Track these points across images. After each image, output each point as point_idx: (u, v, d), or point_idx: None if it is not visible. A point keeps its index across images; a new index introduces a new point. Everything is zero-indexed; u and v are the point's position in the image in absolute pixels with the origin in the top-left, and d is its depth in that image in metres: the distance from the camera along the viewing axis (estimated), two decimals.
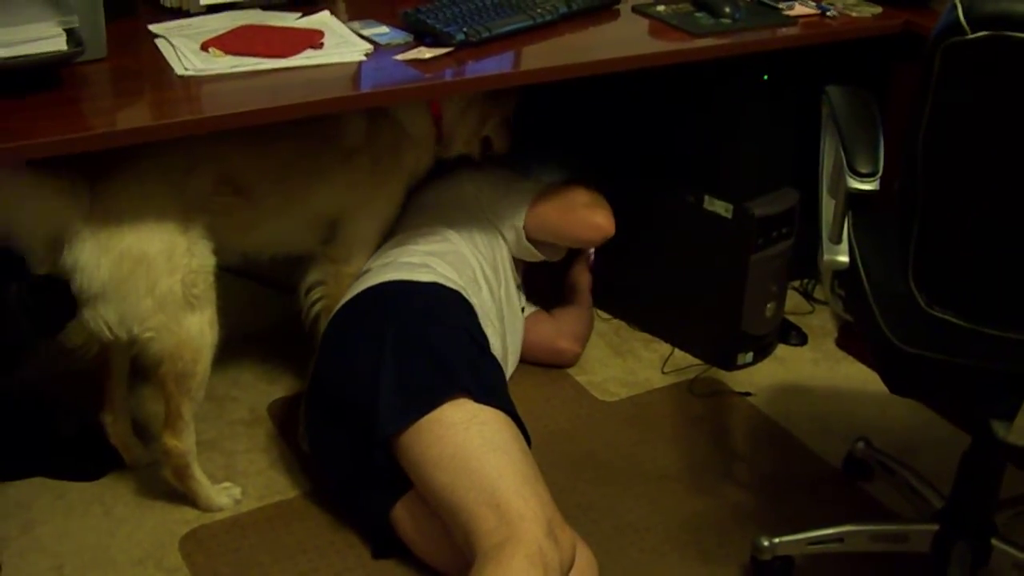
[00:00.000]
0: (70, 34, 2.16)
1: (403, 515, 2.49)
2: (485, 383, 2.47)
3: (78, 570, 2.49)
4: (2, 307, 2.23)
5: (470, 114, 2.93)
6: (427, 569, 2.50)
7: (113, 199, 2.37)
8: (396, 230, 2.91)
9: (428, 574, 2.50)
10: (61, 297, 2.31)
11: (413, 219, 2.94)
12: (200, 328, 2.51)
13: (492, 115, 2.98)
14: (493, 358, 2.62)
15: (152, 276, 2.41)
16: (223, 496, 2.69)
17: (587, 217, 2.94)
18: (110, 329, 2.42)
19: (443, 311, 2.61)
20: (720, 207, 3.08)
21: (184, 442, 2.58)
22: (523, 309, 3.15)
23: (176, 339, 2.48)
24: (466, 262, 2.81)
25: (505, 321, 2.87)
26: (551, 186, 3.02)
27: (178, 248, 2.45)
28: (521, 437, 2.42)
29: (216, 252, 2.54)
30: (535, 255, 3.02)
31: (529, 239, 2.97)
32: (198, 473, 2.64)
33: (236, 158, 2.53)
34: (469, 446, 2.32)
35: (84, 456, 2.75)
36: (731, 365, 3.25)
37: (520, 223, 2.95)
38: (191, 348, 2.50)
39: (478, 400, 2.40)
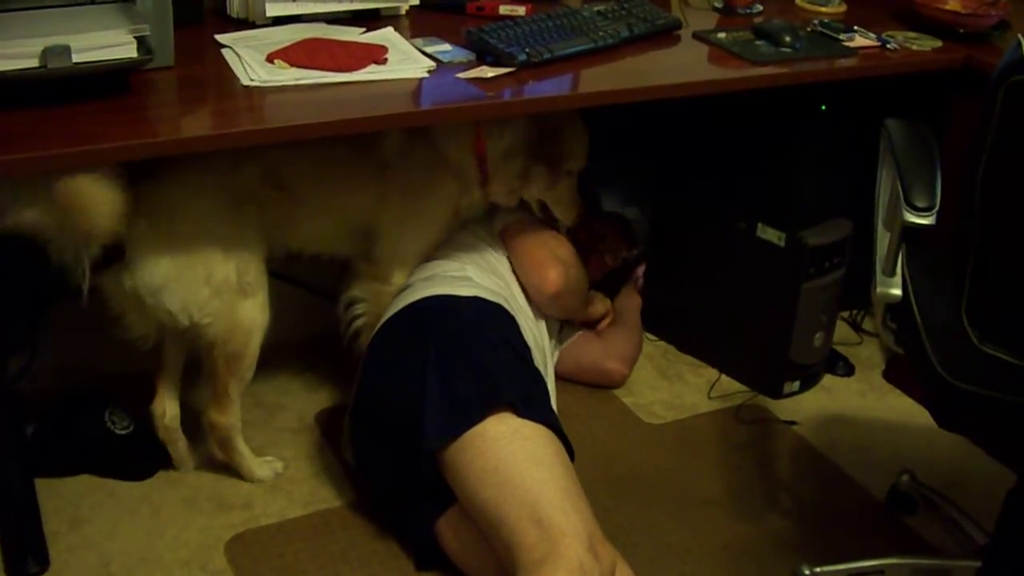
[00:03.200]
0: (140, 42, 2.19)
1: (446, 528, 2.50)
2: (529, 397, 2.48)
3: (125, 568, 2.52)
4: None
5: (512, 161, 2.85)
6: None
7: (166, 195, 2.44)
8: (447, 241, 2.93)
9: None
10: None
11: (455, 232, 2.97)
12: (252, 313, 2.61)
13: (539, 168, 2.86)
14: (536, 371, 2.63)
15: (208, 266, 2.51)
16: (265, 468, 2.81)
17: (544, 264, 2.89)
18: (173, 317, 2.53)
19: (486, 325, 2.63)
20: (773, 235, 3.08)
21: (229, 418, 2.69)
22: (561, 328, 3.16)
23: (230, 323, 2.58)
24: (505, 272, 2.84)
25: (541, 331, 2.89)
26: (539, 223, 3.00)
27: (230, 238, 2.54)
28: (564, 452, 2.43)
29: (266, 244, 2.64)
30: None
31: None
32: (241, 446, 2.76)
33: (278, 156, 2.58)
34: (512, 460, 2.34)
35: (135, 455, 2.78)
36: (778, 393, 3.25)
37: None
38: (243, 331, 2.61)
39: (521, 414, 2.41)
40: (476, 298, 2.67)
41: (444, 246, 2.90)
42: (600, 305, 3.27)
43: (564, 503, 2.27)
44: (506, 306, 2.70)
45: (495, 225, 2.98)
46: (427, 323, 2.60)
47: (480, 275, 2.76)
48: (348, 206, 2.75)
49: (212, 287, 2.53)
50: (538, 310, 2.94)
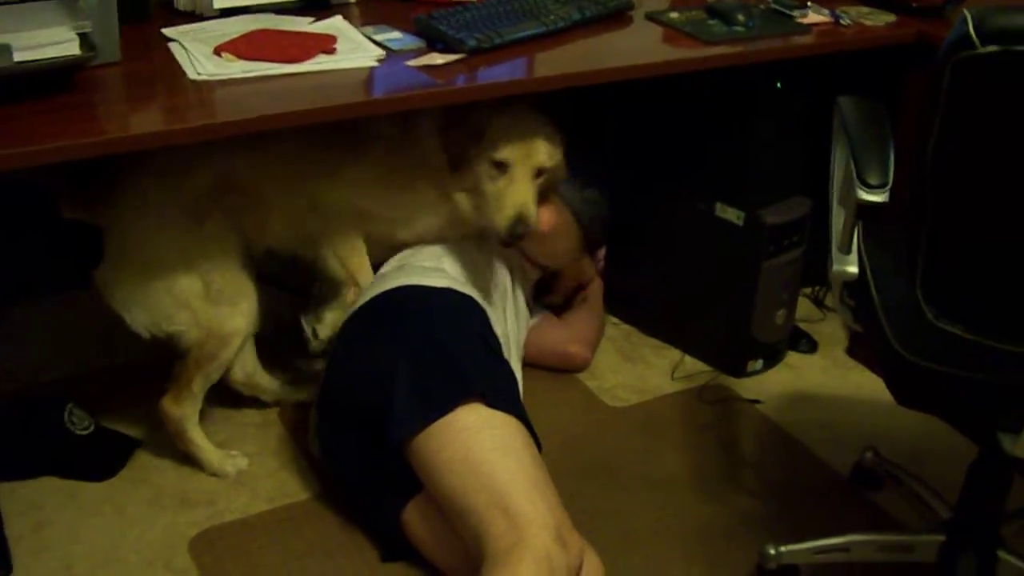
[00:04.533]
0: (83, 38, 2.17)
1: (413, 518, 2.50)
2: (498, 388, 2.48)
3: (88, 570, 2.50)
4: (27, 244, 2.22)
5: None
6: (433, 572, 2.51)
7: (118, 214, 2.46)
8: None
9: (434, 574, 2.51)
10: (88, 243, 2.32)
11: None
12: (229, 320, 2.65)
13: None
14: (506, 363, 2.62)
15: (169, 279, 2.54)
16: (227, 463, 2.80)
17: None
18: (147, 331, 2.58)
19: (457, 316, 2.62)
20: (732, 214, 3.08)
21: (184, 409, 2.71)
22: (531, 311, 3.16)
23: (204, 331, 2.63)
24: (476, 262, 2.82)
25: (512, 322, 2.88)
26: None
27: (190, 248, 2.53)
28: (532, 443, 2.43)
29: (239, 248, 2.66)
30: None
31: None
32: (198, 438, 2.77)
33: (232, 159, 2.57)
34: (481, 450, 2.33)
35: (96, 456, 2.77)
36: (741, 372, 3.25)
37: None
38: (217, 338, 2.64)
39: (491, 405, 2.40)
40: (448, 289, 2.66)
41: None
42: (589, 268, 3.28)
43: (532, 493, 2.27)
44: (478, 298, 2.69)
45: None
46: (398, 313, 2.59)
47: (455, 267, 2.75)
48: (319, 201, 2.72)
49: (176, 298, 2.57)
50: (519, 306, 2.96)
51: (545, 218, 2.88)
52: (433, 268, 2.72)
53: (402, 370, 2.44)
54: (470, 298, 2.68)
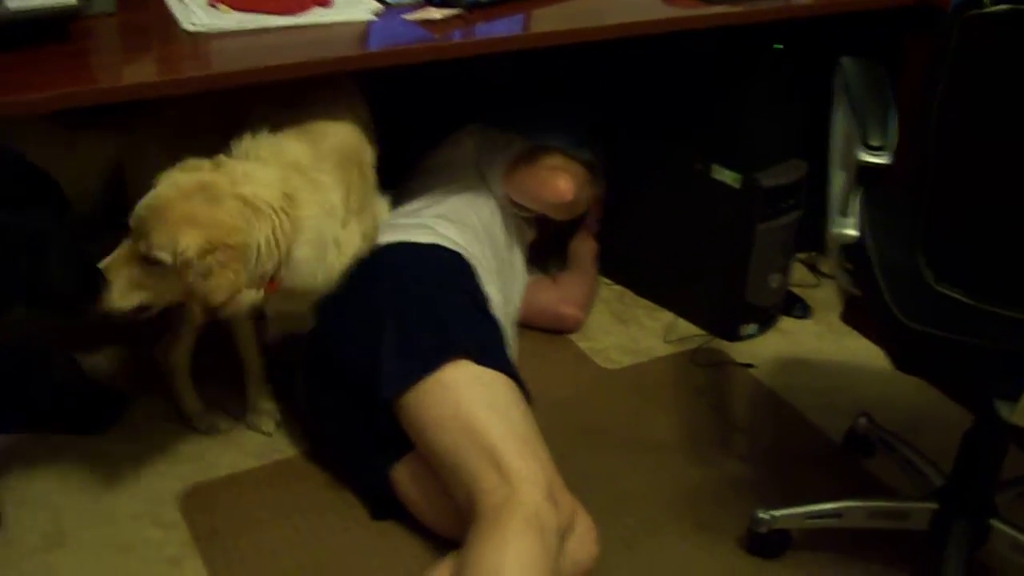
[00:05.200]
0: None
1: (403, 476, 2.49)
2: (486, 345, 2.47)
3: (76, 523, 2.49)
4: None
5: None
6: (424, 529, 2.50)
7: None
8: (400, 193, 2.90)
9: (425, 534, 2.50)
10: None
11: (415, 181, 2.94)
12: None
13: None
14: (494, 319, 2.61)
15: None
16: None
17: (549, 179, 2.94)
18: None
19: (443, 273, 2.61)
20: (728, 176, 3.06)
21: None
22: (525, 273, 3.15)
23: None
24: (466, 219, 2.81)
25: (506, 280, 2.87)
26: (532, 149, 3.01)
27: None
28: (523, 399, 2.43)
29: None
30: (519, 213, 3.03)
31: (511, 199, 2.98)
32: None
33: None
34: (470, 407, 2.33)
35: (85, 411, 2.75)
36: (734, 336, 3.24)
37: (500, 179, 2.96)
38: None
39: (479, 362, 2.40)
40: (434, 245, 2.65)
41: (409, 194, 2.88)
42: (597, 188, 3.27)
43: (523, 450, 2.26)
44: (467, 255, 2.66)
45: (496, 169, 2.97)
46: (383, 270, 2.57)
47: (444, 225, 2.73)
48: None
49: None
50: (516, 267, 2.98)
51: (566, 187, 2.91)
52: (418, 224, 2.71)
53: (388, 328, 2.43)
54: (457, 254, 2.66)
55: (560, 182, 2.92)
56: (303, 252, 2.33)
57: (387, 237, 2.65)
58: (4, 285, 2.05)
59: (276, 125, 2.40)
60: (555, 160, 2.97)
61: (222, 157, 2.31)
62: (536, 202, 2.99)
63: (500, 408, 2.35)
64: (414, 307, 2.48)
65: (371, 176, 2.57)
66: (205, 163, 2.26)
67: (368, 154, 2.56)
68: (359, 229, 2.48)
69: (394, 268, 2.58)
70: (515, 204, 3.00)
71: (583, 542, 2.30)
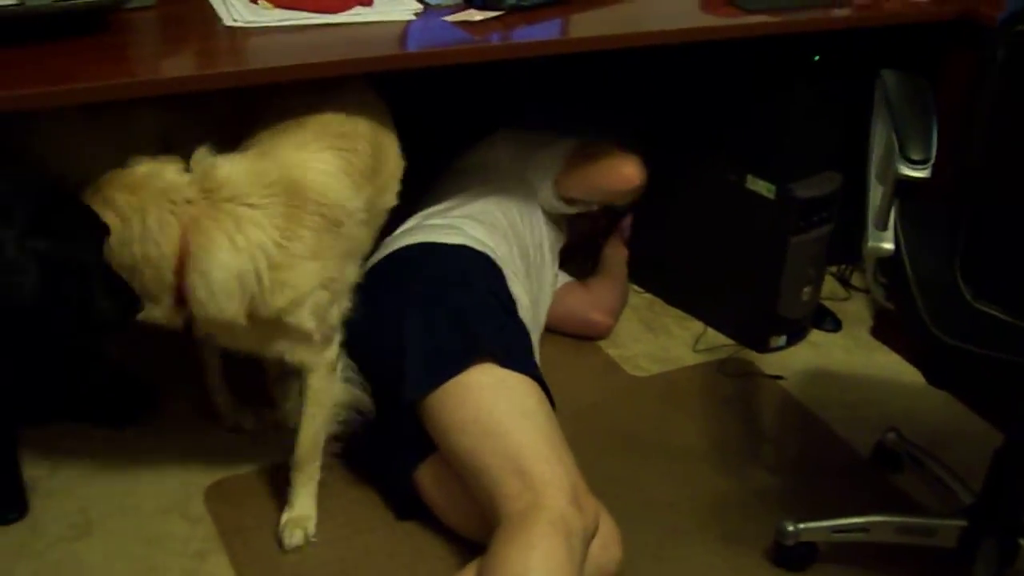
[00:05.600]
0: None
1: (426, 477, 2.49)
2: (511, 348, 2.46)
3: (103, 515, 2.50)
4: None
5: None
6: (449, 530, 2.50)
7: None
8: (430, 193, 2.91)
9: (450, 534, 2.50)
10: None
11: (445, 183, 2.95)
12: None
13: None
14: (520, 322, 2.61)
15: None
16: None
17: (616, 166, 2.93)
18: None
19: (470, 274, 2.60)
20: (763, 187, 3.05)
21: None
22: (556, 277, 3.14)
23: None
24: (496, 221, 2.80)
25: (535, 283, 2.86)
26: (585, 142, 3.01)
27: None
28: (547, 403, 2.42)
29: None
30: (566, 209, 3.02)
31: (562, 196, 2.97)
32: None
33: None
34: (495, 411, 2.32)
35: (114, 403, 2.75)
36: (764, 347, 3.23)
37: (551, 178, 2.95)
38: None
39: (504, 365, 2.39)
40: (461, 246, 2.64)
41: (439, 195, 2.89)
42: None
43: (548, 454, 2.25)
44: (495, 257, 2.66)
45: (545, 167, 2.97)
46: (409, 271, 2.57)
47: (471, 225, 2.73)
48: None
49: None
50: (546, 270, 2.98)
51: (633, 172, 2.92)
52: (446, 225, 2.71)
53: (413, 329, 2.43)
54: (484, 256, 2.66)
55: (627, 168, 2.91)
56: (203, 278, 2.17)
57: (415, 238, 2.65)
58: (57, 319, 2.07)
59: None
60: (613, 148, 2.96)
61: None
62: (602, 192, 2.99)
63: (524, 412, 2.34)
64: (440, 309, 2.47)
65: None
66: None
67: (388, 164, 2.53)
68: (318, 272, 2.27)
69: (420, 269, 2.58)
70: (569, 201, 2.99)
71: (607, 546, 2.30)
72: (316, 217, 2.21)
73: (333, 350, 2.41)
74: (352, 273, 2.39)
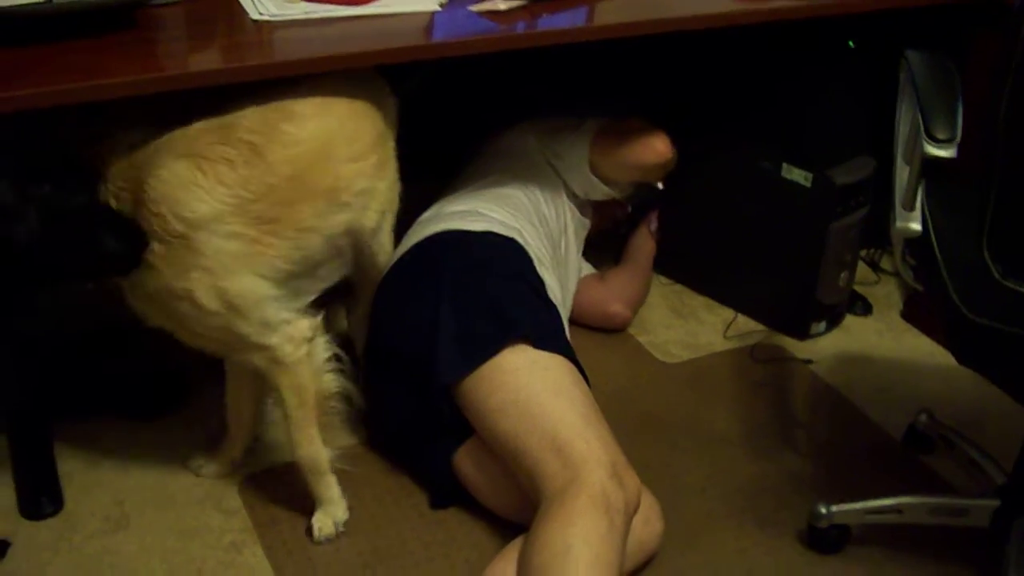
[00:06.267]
0: None
1: (465, 461, 2.50)
2: (543, 329, 2.48)
3: (138, 507, 2.52)
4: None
5: None
6: (483, 517, 2.52)
7: None
8: (454, 181, 2.94)
9: (484, 522, 2.52)
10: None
11: (471, 169, 2.98)
12: None
13: None
14: (551, 303, 2.62)
15: None
16: None
17: (647, 141, 2.91)
18: None
19: (498, 259, 2.61)
20: (799, 175, 3.04)
21: None
22: (580, 263, 3.15)
23: None
24: (520, 205, 2.81)
25: (561, 269, 2.87)
26: (611, 121, 3.01)
27: None
28: (582, 381, 2.43)
29: None
30: (604, 191, 3.01)
31: (595, 174, 2.97)
32: None
33: None
34: (530, 391, 2.33)
35: (150, 396, 2.78)
36: (804, 334, 3.23)
37: (584, 158, 2.95)
38: None
39: (537, 346, 2.40)
40: (488, 232, 2.65)
41: (465, 179, 2.91)
42: None
43: (585, 431, 2.27)
44: (520, 240, 2.67)
45: (575, 148, 2.97)
46: (438, 258, 2.58)
47: (497, 210, 2.74)
48: None
49: None
50: (571, 255, 2.99)
51: (664, 146, 2.90)
52: (469, 211, 2.72)
53: (444, 315, 2.44)
54: (511, 240, 2.66)
55: (658, 143, 2.90)
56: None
57: (439, 226, 2.66)
58: (66, 263, 2.10)
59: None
60: (641, 124, 2.95)
61: None
62: (634, 168, 2.97)
63: (560, 391, 2.36)
64: (469, 294, 2.48)
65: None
66: None
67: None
68: (180, 285, 2.21)
69: (448, 258, 2.58)
70: (603, 180, 2.99)
71: (648, 520, 2.33)
72: (154, 228, 2.17)
73: (286, 350, 2.35)
74: (262, 287, 2.28)
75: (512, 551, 2.23)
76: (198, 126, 2.19)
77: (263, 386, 2.55)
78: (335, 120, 2.33)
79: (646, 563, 2.39)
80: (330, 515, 2.49)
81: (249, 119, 2.22)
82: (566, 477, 2.18)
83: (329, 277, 2.48)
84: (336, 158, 2.33)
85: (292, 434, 2.42)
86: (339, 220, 2.37)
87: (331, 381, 2.46)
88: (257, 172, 2.20)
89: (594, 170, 2.96)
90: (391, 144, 2.51)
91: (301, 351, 2.36)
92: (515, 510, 2.40)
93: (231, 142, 2.19)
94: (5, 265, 2.05)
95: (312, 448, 2.44)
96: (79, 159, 2.13)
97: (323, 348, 2.43)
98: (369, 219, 2.46)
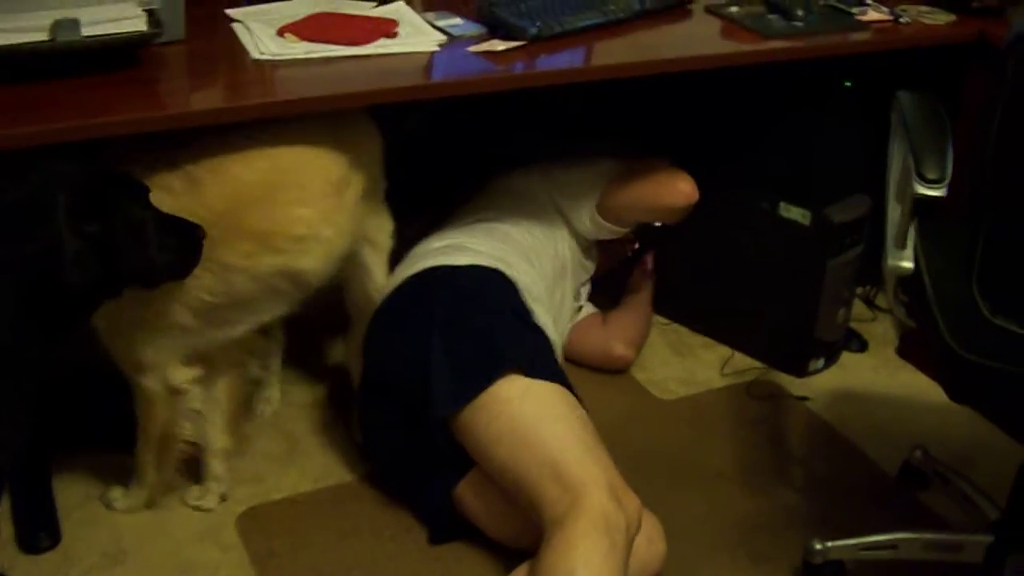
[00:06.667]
0: (150, 15, 2.20)
1: (467, 493, 2.52)
2: (534, 357, 2.50)
3: (136, 543, 2.53)
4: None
5: None
6: (480, 553, 2.53)
7: None
8: (450, 219, 2.95)
9: (481, 557, 2.52)
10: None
11: (465, 207, 3.00)
12: None
13: None
14: (541, 331, 2.62)
15: None
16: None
17: (670, 182, 2.91)
18: None
19: (485, 293, 2.62)
20: (797, 213, 3.07)
21: None
22: (580, 308, 3.16)
23: None
24: (511, 240, 2.83)
25: (555, 307, 2.89)
26: (631, 161, 3.02)
27: None
28: (578, 406, 2.45)
29: None
30: (614, 231, 3.03)
31: (607, 219, 2.98)
32: None
33: None
34: (526, 419, 2.35)
35: None
36: (803, 371, 3.24)
37: (593, 202, 2.96)
38: None
39: (529, 374, 2.42)
40: (473, 266, 2.67)
41: (465, 213, 2.94)
42: None
43: (583, 455, 2.29)
44: (507, 272, 2.68)
45: (588, 191, 2.98)
46: (426, 294, 2.60)
47: (480, 241, 2.76)
48: None
49: None
50: (565, 294, 2.99)
51: (689, 188, 2.90)
52: (454, 245, 2.74)
53: (436, 350, 2.45)
54: (496, 271, 2.67)
55: (682, 184, 2.89)
56: None
57: (428, 262, 2.68)
58: (121, 275, 2.13)
59: None
60: (663, 165, 2.96)
61: None
62: (655, 210, 2.99)
63: (556, 417, 2.37)
64: (459, 329, 2.50)
65: None
66: None
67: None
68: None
69: (437, 291, 2.60)
70: (615, 223, 3.01)
71: (652, 541, 2.36)
72: None
73: (150, 382, 2.45)
74: (180, 314, 2.36)
75: None
76: (162, 152, 2.24)
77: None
78: (286, 165, 2.35)
79: None
80: (126, 495, 2.62)
81: (200, 151, 2.25)
82: (566, 502, 2.19)
83: (269, 311, 2.51)
84: (277, 202, 2.35)
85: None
86: (270, 263, 2.38)
87: (186, 428, 2.56)
88: (190, 203, 2.23)
89: (604, 211, 2.97)
90: (356, 189, 2.49)
91: (165, 393, 2.48)
92: (520, 538, 2.42)
93: (176, 170, 2.24)
94: (67, 301, 2.09)
95: (144, 464, 2.57)
96: (126, 175, 2.16)
97: (193, 399, 2.53)
98: (308, 264, 2.45)
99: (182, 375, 2.47)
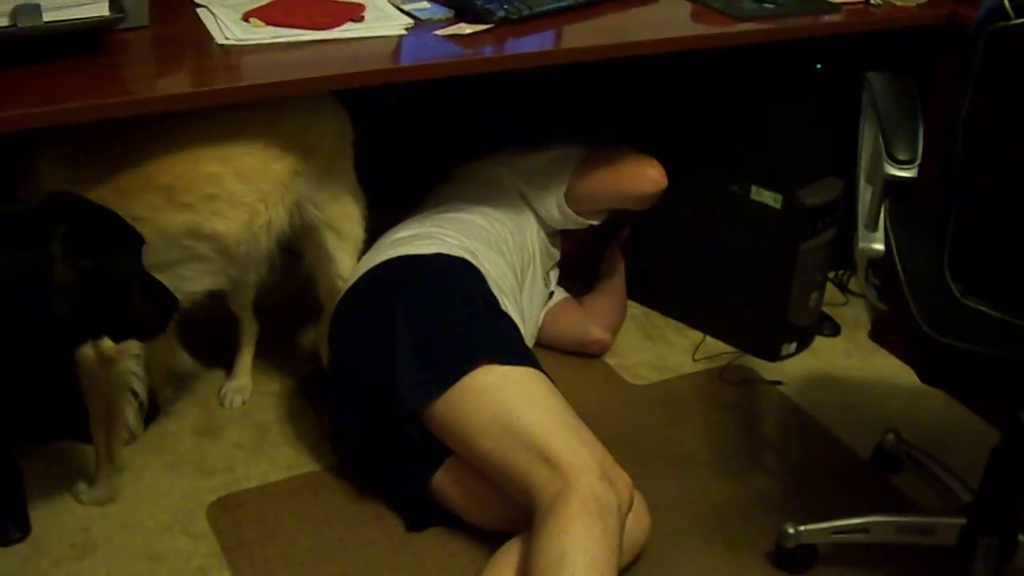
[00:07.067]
0: (113, 1, 2.17)
1: (445, 482, 2.50)
2: (506, 343, 2.49)
3: (106, 533, 2.51)
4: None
5: None
6: (451, 538, 2.52)
7: None
8: (417, 208, 2.94)
9: (452, 543, 2.52)
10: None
11: (433, 196, 2.98)
12: None
13: None
14: (509, 318, 2.61)
15: None
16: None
17: (640, 170, 2.93)
18: None
19: (452, 282, 2.60)
20: (769, 197, 3.06)
21: None
22: (552, 294, 3.15)
23: None
24: (478, 229, 2.81)
25: (524, 297, 2.88)
26: (597, 149, 3.01)
27: None
28: (555, 387, 2.45)
29: None
30: (579, 222, 3.02)
31: (574, 208, 2.98)
32: None
33: None
34: (508, 406, 2.35)
35: None
36: (775, 355, 3.24)
37: (562, 189, 2.96)
38: None
39: (503, 362, 2.41)
40: (438, 254, 2.65)
41: (422, 206, 2.92)
42: None
43: (569, 438, 2.29)
44: (473, 260, 2.67)
45: (557, 180, 2.98)
46: (390, 284, 2.58)
47: (447, 231, 2.74)
48: None
49: None
50: (535, 282, 2.99)
51: (658, 175, 2.93)
52: (420, 234, 2.72)
53: (401, 341, 2.43)
54: (462, 259, 2.66)
55: (651, 170, 2.92)
56: None
57: (392, 251, 2.66)
58: (94, 325, 2.18)
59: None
60: (631, 152, 2.96)
61: None
62: (624, 197, 2.99)
63: (536, 401, 2.37)
64: (425, 319, 2.48)
65: None
66: None
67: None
68: None
69: (401, 282, 2.58)
70: (582, 212, 3.00)
71: (639, 518, 2.37)
72: None
73: (84, 348, 2.44)
74: None
75: (503, 556, 2.28)
76: None
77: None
78: (214, 131, 2.36)
79: (635, 559, 2.43)
80: (91, 489, 2.62)
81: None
82: (557, 485, 2.19)
83: (198, 281, 2.50)
84: (188, 158, 2.34)
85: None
86: (179, 220, 2.37)
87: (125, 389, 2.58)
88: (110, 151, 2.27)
89: (572, 200, 2.97)
90: (291, 163, 2.49)
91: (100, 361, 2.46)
92: (505, 522, 2.41)
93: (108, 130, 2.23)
94: (45, 333, 2.11)
95: (98, 445, 2.58)
96: (122, 223, 2.16)
97: (131, 365, 2.55)
98: (224, 228, 2.43)
99: (110, 342, 2.43)
